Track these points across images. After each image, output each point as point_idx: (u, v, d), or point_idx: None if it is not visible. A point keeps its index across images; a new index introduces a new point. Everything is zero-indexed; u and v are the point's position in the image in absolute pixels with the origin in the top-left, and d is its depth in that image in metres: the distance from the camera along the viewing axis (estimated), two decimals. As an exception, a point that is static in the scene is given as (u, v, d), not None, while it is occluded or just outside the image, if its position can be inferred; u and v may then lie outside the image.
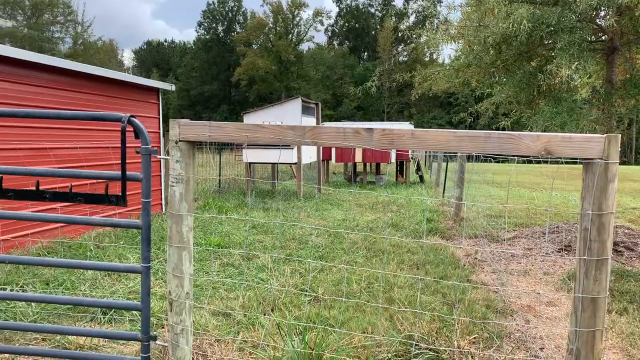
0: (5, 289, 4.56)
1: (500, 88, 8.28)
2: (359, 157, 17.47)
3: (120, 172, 2.88)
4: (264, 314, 4.08)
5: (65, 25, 61.01)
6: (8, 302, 4.16)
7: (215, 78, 67.14)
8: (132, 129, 2.83)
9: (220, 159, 16.30)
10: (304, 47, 69.41)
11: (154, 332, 2.99)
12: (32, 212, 5.94)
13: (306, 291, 4.79)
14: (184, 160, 2.76)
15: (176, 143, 2.74)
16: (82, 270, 5.26)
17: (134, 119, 2.81)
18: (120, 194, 2.93)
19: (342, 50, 69.59)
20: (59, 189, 3.85)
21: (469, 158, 10.19)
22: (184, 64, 70.46)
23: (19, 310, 4.07)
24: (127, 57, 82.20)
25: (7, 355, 3.47)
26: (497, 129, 8.27)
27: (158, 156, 2.88)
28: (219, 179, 15.19)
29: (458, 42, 7.88)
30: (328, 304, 4.50)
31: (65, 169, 6.71)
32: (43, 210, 6.53)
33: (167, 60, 75.96)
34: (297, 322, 3.81)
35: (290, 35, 66.53)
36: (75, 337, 3.61)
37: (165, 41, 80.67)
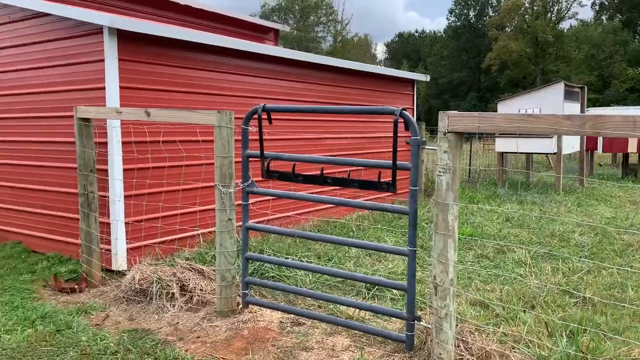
0: (288, 259, 5.33)
1: None
2: (632, 147, 15.13)
3: (390, 162, 3.11)
4: (524, 311, 3.94)
5: (327, 25, 67.20)
6: (291, 270, 4.85)
7: (465, 65, 65.74)
8: (402, 121, 3.04)
9: (470, 147, 16.04)
10: (565, 25, 62.92)
11: (417, 313, 3.16)
12: (308, 193, 6.77)
13: (572, 292, 4.45)
14: (451, 151, 2.82)
15: (444, 134, 2.81)
16: (346, 248, 5.81)
17: (405, 112, 3.00)
18: (391, 180, 3.17)
19: (612, 25, 60.77)
20: (337, 174, 4.32)
21: None
22: (433, 53, 70.82)
23: (299, 279, 4.73)
24: (380, 51, 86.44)
25: (291, 315, 4.07)
26: None
27: (427, 147, 3.03)
28: (469, 169, 14.95)
29: None
30: (598, 309, 4.10)
31: (334, 157, 7.43)
32: (315, 192, 7.39)
33: (417, 50, 77.29)
34: (563, 322, 3.58)
35: (549, 14, 61.00)
36: (345, 307, 4.03)
37: (416, 32, 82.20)
